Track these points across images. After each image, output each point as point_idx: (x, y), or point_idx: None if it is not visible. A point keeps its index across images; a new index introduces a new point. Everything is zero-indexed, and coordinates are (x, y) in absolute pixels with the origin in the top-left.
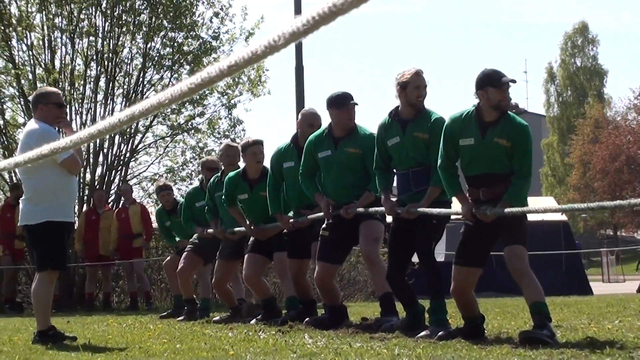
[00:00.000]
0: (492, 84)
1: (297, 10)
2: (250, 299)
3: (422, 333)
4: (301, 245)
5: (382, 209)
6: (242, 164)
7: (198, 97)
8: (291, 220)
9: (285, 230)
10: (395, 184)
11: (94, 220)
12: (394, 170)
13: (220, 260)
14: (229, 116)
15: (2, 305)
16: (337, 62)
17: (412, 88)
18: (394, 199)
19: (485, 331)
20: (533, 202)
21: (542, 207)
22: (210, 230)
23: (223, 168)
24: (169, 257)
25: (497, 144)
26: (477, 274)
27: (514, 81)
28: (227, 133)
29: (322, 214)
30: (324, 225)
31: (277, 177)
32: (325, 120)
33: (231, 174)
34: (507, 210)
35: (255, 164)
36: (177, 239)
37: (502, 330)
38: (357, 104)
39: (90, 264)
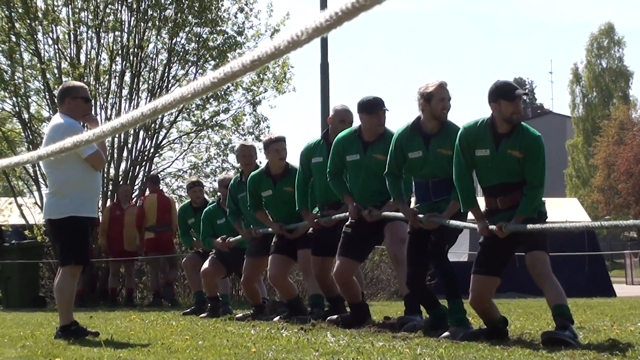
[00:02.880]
0: (504, 96)
1: (323, 6)
2: (272, 296)
3: (444, 334)
4: (325, 243)
5: (401, 214)
6: (265, 161)
7: (223, 93)
8: (316, 219)
9: (310, 229)
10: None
11: (119, 215)
12: (412, 179)
13: (248, 259)
14: (254, 113)
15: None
16: (362, 59)
17: (437, 100)
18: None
19: (508, 332)
20: (557, 203)
21: (557, 225)
22: (233, 239)
23: (241, 168)
24: (186, 257)
25: (510, 155)
26: (495, 283)
27: (527, 94)
28: (251, 130)
29: (347, 213)
30: (347, 223)
31: (306, 172)
32: (357, 117)
33: (253, 173)
34: (521, 226)
35: (278, 161)
36: (194, 239)
37: (525, 331)
38: (388, 110)
39: (114, 259)
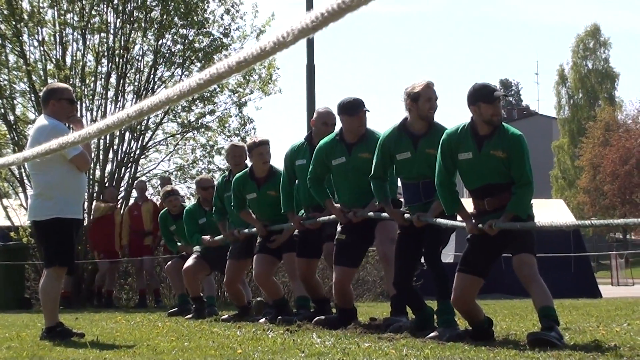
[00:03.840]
0: (483, 99)
1: (309, 7)
2: (258, 297)
3: (431, 334)
4: (310, 244)
5: (386, 215)
6: (249, 164)
7: (208, 94)
8: (301, 221)
9: (296, 231)
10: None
11: (109, 215)
12: (399, 180)
13: (230, 261)
14: (240, 114)
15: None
16: (348, 61)
17: (424, 100)
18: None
19: (494, 333)
20: (542, 204)
21: (547, 223)
22: (217, 238)
23: (231, 168)
24: (170, 262)
25: (493, 156)
26: (479, 284)
27: (505, 95)
28: (237, 131)
29: (332, 216)
30: (339, 229)
31: (290, 175)
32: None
33: (238, 174)
34: (511, 224)
35: (262, 164)
36: (179, 244)
37: (511, 332)
38: (368, 111)
39: (99, 260)
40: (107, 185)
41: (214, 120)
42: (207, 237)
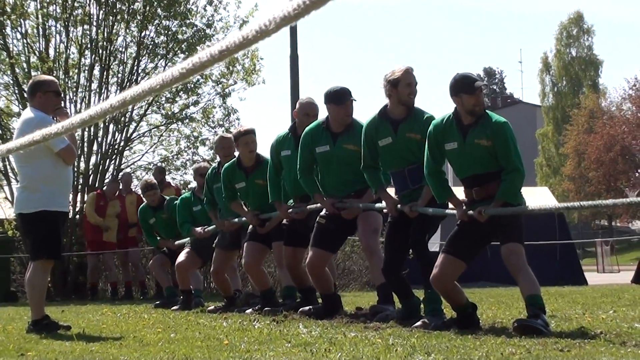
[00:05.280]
0: (464, 90)
1: None
2: (245, 288)
3: (418, 323)
4: (297, 233)
5: (381, 205)
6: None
7: (192, 85)
8: (290, 210)
9: (284, 220)
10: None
11: (102, 206)
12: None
13: (218, 250)
14: (224, 105)
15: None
16: (332, 51)
17: (404, 85)
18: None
19: (480, 321)
20: (528, 192)
21: (536, 206)
22: (209, 228)
23: (219, 159)
24: (152, 260)
25: (478, 145)
26: (461, 268)
27: (486, 85)
28: (221, 122)
29: (319, 205)
30: (321, 213)
31: (276, 165)
32: (322, 109)
33: (227, 164)
34: (501, 209)
35: (249, 153)
36: (158, 238)
37: (497, 320)
38: (355, 100)
39: (90, 252)
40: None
41: (198, 111)
42: (199, 229)
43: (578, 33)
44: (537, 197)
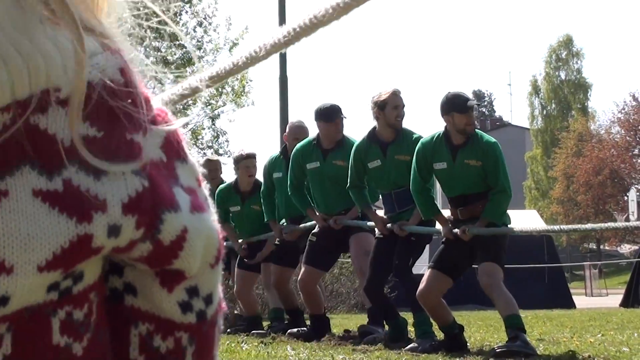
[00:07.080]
0: (456, 109)
1: (282, 20)
2: (232, 310)
3: (409, 346)
4: (287, 253)
5: (371, 223)
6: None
7: (181, 107)
8: (283, 230)
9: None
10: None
11: None
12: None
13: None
14: (213, 127)
15: None
16: (321, 73)
17: (391, 108)
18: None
19: (468, 344)
20: (516, 215)
21: (519, 228)
22: None
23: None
24: None
25: (467, 165)
26: (447, 284)
27: (478, 104)
28: (210, 144)
29: (312, 222)
30: (313, 231)
31: (269, 185)
32: (312, 131)
33: (222, 186)
34: (484, 229)
35: (248, 178)
36: None
37: (485, 343)
38: (345, 117)
39: None
40: None
41: (187, 132)
42: None
43: (567, 56)
44: (526, 220)
